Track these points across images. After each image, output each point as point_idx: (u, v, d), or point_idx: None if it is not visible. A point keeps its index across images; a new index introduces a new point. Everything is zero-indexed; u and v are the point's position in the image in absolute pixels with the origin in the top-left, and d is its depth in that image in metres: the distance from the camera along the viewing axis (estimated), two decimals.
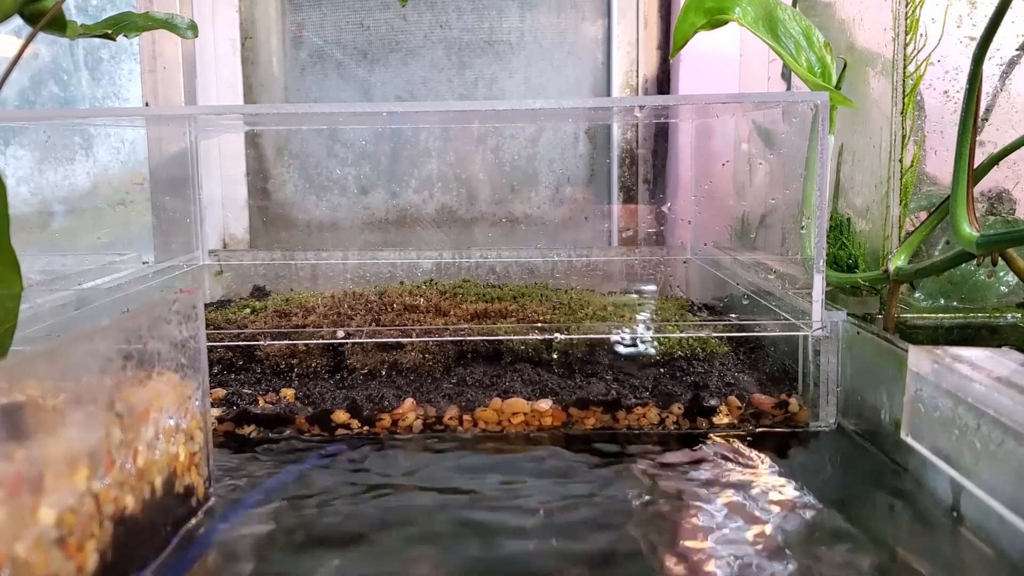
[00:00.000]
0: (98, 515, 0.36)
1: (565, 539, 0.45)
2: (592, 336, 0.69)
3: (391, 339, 0.68)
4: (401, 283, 0.93)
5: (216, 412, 0.62)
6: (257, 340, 0.68)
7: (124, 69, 1.01)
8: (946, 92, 0.73)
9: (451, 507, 0.49)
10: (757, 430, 0.62)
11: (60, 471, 0.34)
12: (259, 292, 0.99)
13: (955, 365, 0.43)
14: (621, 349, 0.70)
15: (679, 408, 0.63)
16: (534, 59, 1.14)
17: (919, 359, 0.46)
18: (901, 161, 0.68)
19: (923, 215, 0.71)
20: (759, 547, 0.44)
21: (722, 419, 0.63)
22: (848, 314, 0.63)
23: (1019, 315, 0.72)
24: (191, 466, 0.46)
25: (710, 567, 0.42)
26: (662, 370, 0.69)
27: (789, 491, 0.51)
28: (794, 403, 0.63)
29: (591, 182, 1.15)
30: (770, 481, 0.53)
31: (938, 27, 0.72)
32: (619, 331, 0.70)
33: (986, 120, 0.74)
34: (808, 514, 0.48)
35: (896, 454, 0.55)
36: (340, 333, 0.66)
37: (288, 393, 0.65)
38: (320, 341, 0.68)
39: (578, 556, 0.43)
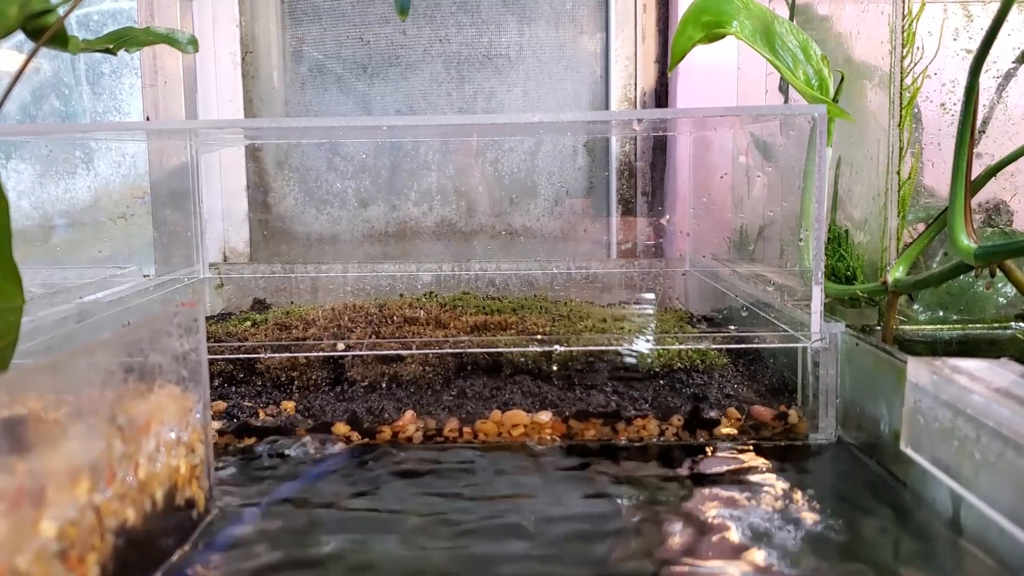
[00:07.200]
0: (99, 528, 0.36)
1: None
2: (591, 348, 0.69)
3: (391, 351, 0.68)
4: (401, 295, 0.94)
5: (217, 425, 0.62)
6: (258, 353, 0.68)
7: (125, 83, 1.01)
8: (943, 104, 0.74)
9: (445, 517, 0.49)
10: (757, 442, 0.62)
11: (62, 484, 0.34)
12: (259, 305, 0.99)
13: (954, 376, 0.43)
14: (620, 361, 0.70)
15: (679, 420, 0.63)
16: (533, 73, 1.14)
17: (918, 370, 0.46)
18: (899, 173, 0.69)
19: (921, 227, 0.71)
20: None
21: (722, 431, 0.63)
22: (847, 326, 0.63)
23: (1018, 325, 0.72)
24: (192, 478, 0.46)
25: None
26: (662, 382, 0.69)
27: (789, 491, 0.51)
28: (793, 415, 0.63)
29: (590, 195, 1.15)
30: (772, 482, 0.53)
31: (935, 40, 0.72)
32: (618, 343, 0.70)
33: (983, 132, 0.74)
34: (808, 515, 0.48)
35: (895, 465, 0.55)
36: (340, 346, 0.66)
37: (288, 406, 0.65)
38: (320, 354, 0.68)
39: None
